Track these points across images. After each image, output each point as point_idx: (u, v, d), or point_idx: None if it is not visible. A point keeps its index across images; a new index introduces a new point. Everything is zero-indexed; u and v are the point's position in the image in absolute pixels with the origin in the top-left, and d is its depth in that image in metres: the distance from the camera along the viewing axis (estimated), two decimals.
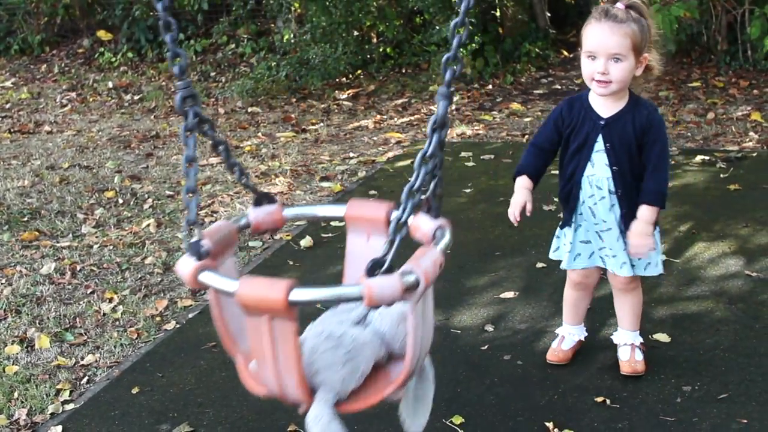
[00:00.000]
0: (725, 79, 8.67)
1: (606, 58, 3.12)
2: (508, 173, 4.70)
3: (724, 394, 3.35)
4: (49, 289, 4.78)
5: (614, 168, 3.25)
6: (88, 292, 4.73)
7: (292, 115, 8.65)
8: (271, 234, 5.21)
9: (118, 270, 5.00)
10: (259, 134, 8.00)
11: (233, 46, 11.15)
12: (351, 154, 7.17)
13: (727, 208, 5.31)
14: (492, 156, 6.74)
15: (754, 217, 5.11)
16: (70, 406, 3.63)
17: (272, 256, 5.04)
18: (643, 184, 3.24)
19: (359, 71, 10.09)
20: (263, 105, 9.14)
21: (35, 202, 6.24)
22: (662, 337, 3.78)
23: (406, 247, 2.02)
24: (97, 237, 5.50)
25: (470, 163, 6.60)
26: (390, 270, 1.96)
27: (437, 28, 9.16)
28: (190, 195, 2.18)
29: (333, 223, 5.42)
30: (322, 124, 8.33)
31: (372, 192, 6.06)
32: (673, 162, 6.29)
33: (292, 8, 10.51)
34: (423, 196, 2.09)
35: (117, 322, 4.38)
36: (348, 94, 9.43)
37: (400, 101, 8.99)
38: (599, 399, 3.36)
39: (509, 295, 4.31)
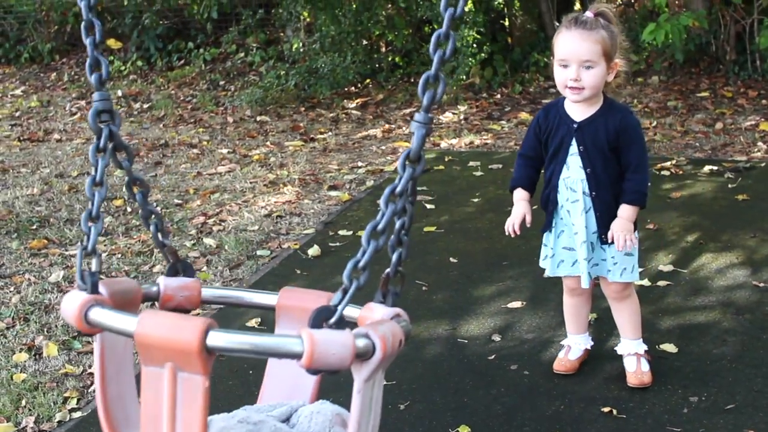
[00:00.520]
0: (734, 89, 8.66)
1: (578, 65, 3.19)
2: None
3: (731, 405, 3.34)
4: (57, 297, 4.79)
5: (588, 170, 3.31)
6: None
7: (301, 124, 8.67)
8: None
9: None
10: (268, 143, 8.02)
11: (242, 55, 11.19)
12: (359, 163, 7.18)
13: (735, 218, 5.30)
14: (500, 165, 6.74)
15: (762, 227, 5.10)
16: (77, 414, 3.64)
17: (280, 265, 5.04)
18: (624, 184, 3.30)
19: (368, 80, 10.11)
20: (272, 114, 9.16)
21: (44, 210, 6.27)
22: (669, 348, 3.78)
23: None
24: (105, 245, 5.52)
25: (478, 173, 6.61)
26: (340, 324, 1.59)
27: None
28: (91, 223, 1.91)
29: (341, 232, 5.43)
30: (330, 133, 8.35)
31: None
32: (681, 172, 6.29)
33: (302, 17, 10.54)
34: (383, 274, 1.75)
35: None
36: (357, 103, 9.45)
37: (408, 110, 9.00)
38: (606, 409, 3.35)
39: (516, 304, 4.31)
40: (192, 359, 1.50)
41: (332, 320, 1.58)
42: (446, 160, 7.01)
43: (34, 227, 5.91)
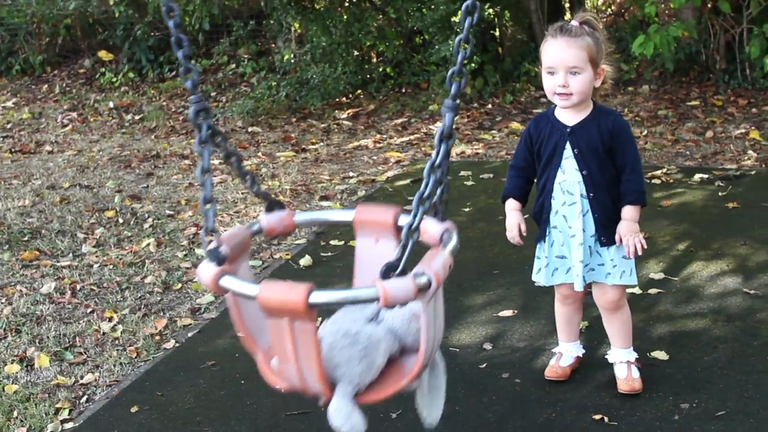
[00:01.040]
0: (724, 98, 8.69)
1: (565, 72, 3.25)
2: None
3: (722, 412, 3.35)
4: (49, 308, 4.79)
5: (584, 172, 3.34)
6: (88, 311, 4.74)
7: (292, 135, 8.67)
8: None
9: (118, 289, 5.01)
10: (259, 154, 8.02)
11: (234, 66, 11.19)
12: (351, 174, 7.19)
13: (726, 226, 5.32)
14: (491, 175, 6.75)
15: (752, 235, 5.12)
16: (69, 425, 3.64)
17: (271, 275, 5.05)
18: (622, 186, 3.34)
19: (359, 91, 10.12)
20: (263, 125, 9.17)
21: (36, 222, 6.26)
22: (660, 355, 3.79)
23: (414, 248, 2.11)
24: (97, 256, 5.52)
25: (469, 182, 6.62)
26: (403, 272, 2.05)
27: (437, 47, 9.18)
28: (208, 205, 2.25)
29: (332, 242, 5.44)
30: (321, 143, 8.36)
31: None
32: (671, 180, 6.31)
33: (292, 28, 10.56)
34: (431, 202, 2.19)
35: (116, 341, 4.39)
36: (348, 113, 9.46)
37: (399, 120, 9.01)
38: (597, 417, 3.36)
39: (508, 313, 4.32)
40: (301, 314, 2.04)
41: (397, 271, 2.04)
42: None
43: (26, 239, 5.91)
